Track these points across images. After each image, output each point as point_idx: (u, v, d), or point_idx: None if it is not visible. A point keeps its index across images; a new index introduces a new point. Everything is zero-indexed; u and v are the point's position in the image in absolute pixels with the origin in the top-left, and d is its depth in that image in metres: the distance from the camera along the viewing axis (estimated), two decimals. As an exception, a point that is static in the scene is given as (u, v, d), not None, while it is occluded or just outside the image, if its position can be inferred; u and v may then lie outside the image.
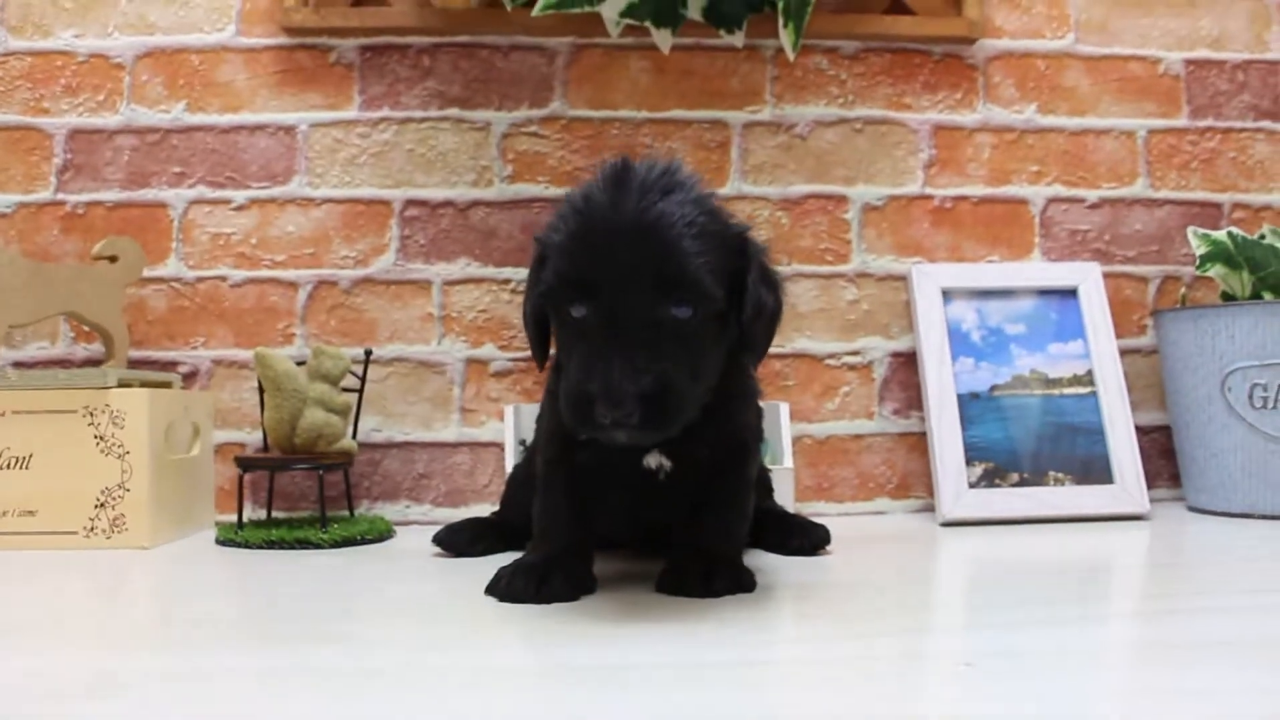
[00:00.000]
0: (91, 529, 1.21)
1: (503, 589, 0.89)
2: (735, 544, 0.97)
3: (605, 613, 0.83)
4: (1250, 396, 1.38)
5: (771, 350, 1.48)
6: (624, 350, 0.77)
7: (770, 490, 1.23)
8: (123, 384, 1.25)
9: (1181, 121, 1.63)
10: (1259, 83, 1.65)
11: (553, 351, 0.92)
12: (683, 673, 0.64)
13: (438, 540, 1.16)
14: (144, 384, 1.29)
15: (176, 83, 1.50)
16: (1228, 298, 1.46)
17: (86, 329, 1.44)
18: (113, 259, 1.36)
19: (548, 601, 0.87)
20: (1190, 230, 1.48)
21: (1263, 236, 1.46)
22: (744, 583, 0.91)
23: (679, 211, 0.79)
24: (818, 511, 1.48)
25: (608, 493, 0.96)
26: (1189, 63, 1.63)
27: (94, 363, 1.45)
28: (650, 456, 0.91)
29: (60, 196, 1.48)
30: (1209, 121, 1.63)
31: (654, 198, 0.80)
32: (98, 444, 1.22)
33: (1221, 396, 1.40)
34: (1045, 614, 0.82)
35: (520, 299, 1.50)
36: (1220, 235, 1.45)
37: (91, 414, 1.22)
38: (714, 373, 0.87)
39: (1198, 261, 1.45)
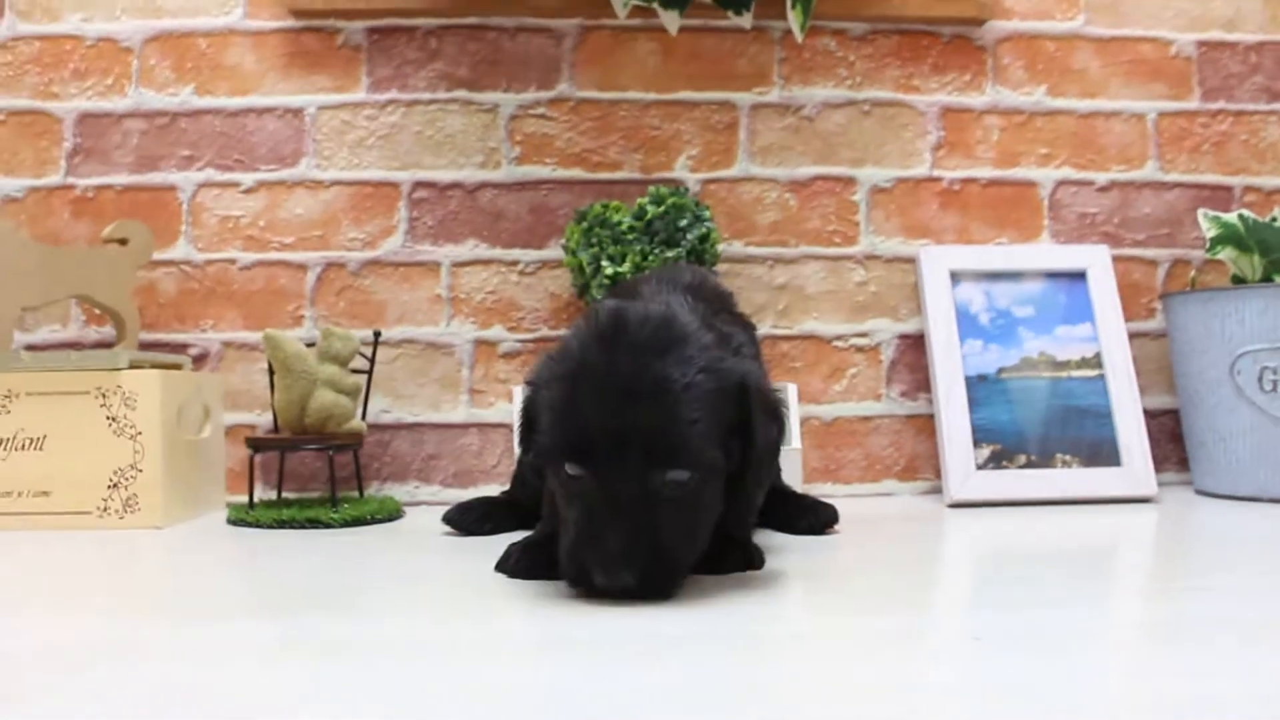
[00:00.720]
0: (105, 509, 1.22)
1: (511, 566, 0.90)
2: (745, 523, 0.98)
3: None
4: (1260, 380, 1.37)
5: (779, 332, 1.50)
6: (620, 522, 0.76)
7: (779, 471, 1.23)
8: (134, 365, 1.26)
9: (1193, 104, 1.62)
10: (1273, 64, 1.64)
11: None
12: (690, 645, 0.65)
13: (447, 519, 1.17)
14: (155, 366, 1.29)
15: (184, 66, 1.50)
16: (1238, 281, 1.45)
17: (98, 312, 1.45)
18: (123, 242, 1.37)
19: (557, 579, 0.87)
20: (1201, 212, 1.48)
21: (1274, 219, 1.45)
22: (753, 560, 0.92)
23: (675, 374, 0.77)
24: (825, 493, 1.48)
25: None
26: (1201, 44, 1.62)
27: (105, 345, 1.46)
28: None
29: (70, 180, 1.49)
30: (1221, 104, 1.63)
31: (649, 359, 0.77)
32: (110, 425, 1.23)
33: (1230, 380, 1.39)
34: (1052, 594, 0.82)
35: (529, 280, 1.50)
36: (1231, 218, 1.44)
37: (104, 395, 1.23)
38: (715, 516, 0.85)
39: (1208, 244, 1.45)
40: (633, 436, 0.76)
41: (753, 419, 0.83)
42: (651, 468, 0.77)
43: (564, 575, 0.80)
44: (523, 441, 0.90)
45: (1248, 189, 1.62)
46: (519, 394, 1.40)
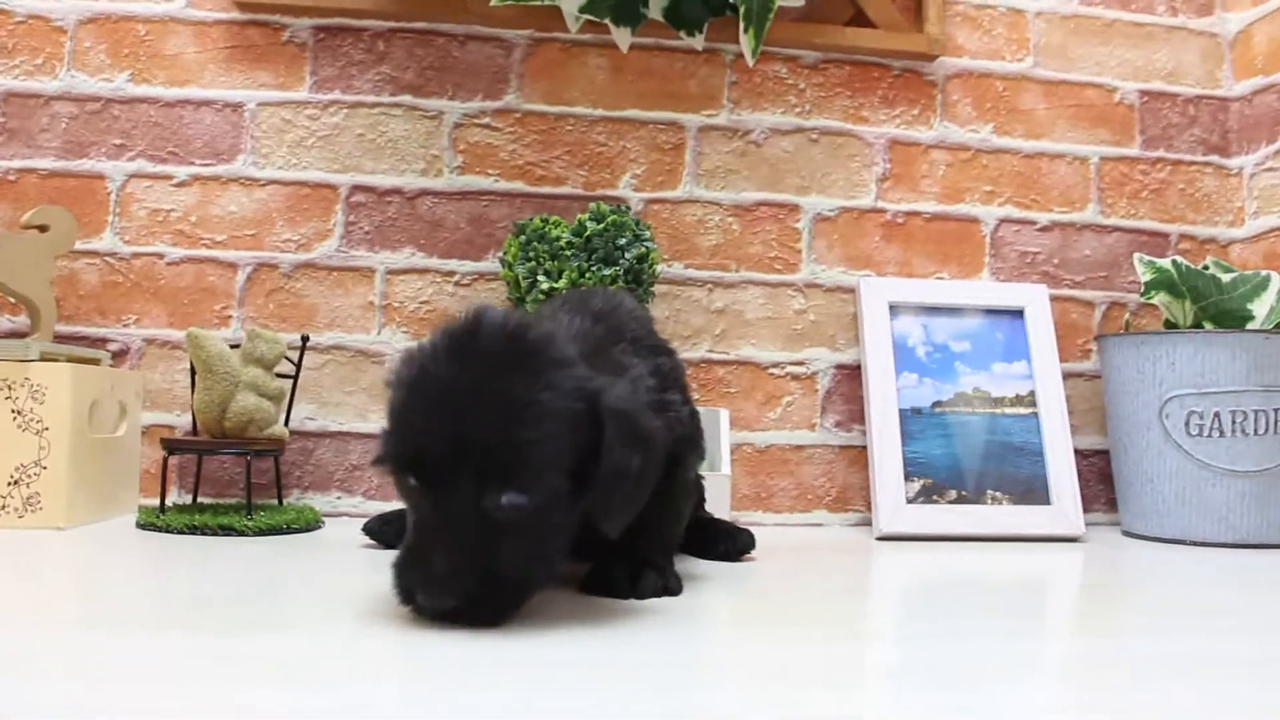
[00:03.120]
0: (3, 507, 1.17)
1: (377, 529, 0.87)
2: (665, 548, 0.96)
3: (530, 611, 0.81)
4: (1187, 424, 1.39)
5: (715, 356, 1.49)
6: (447, 543, 0.72)
7: (701, 500, 1.21)
8: (46, 358, 1.21)
9: (1134, 150, 1.64)
10: (1209, 118, 1.67)
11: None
12: (601, 671, 0.63)
13: (367, 530, 1.14)
14: (69, 359, 1.24)
15: (120, 51, 1.46)
16: (1170, 325, 1.47)
17: (11, 300, 1.39)
18: (43, 228, 1.31)
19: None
20: (1136, 257, 1.49)
21: (1206, 267, 1.47)
22: (670, 586, 0.90)
23: (519, 389, 0.72)
24: (755, 521, 1.47)
25: None
26: (1143, 93, 1.65)
27: (18, 335, 1.40)
28: None
29: (-8, 162, 1.44)
30: (1160, 152, 1.65)
31: (492, 371, 0.72)
32: (14, 419, 1.18)
33: (1159, 423, 1.41)
34: (975, 628, 0.81)
35: (465, 291, 1.47)
36: (1165, 263, 1.46)
37: (10, 387, 1.18)
38: (565, 539, 0.79)
39: (1143, 288, 1.47)
40: (466, 452, 0.71)
41: (605, 441, 0.75)
42: (486, 487, 0.72)
43: (394, 591, 0.75)
44: None
45: (1183, 236, 1.65)
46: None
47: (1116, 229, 1.63)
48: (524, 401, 0.72)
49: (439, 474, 0.72)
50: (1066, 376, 1.54)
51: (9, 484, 1.17)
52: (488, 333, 0.74)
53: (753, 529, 1.17)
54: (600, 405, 0.76)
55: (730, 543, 1.13)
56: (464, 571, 0.72)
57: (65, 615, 0.77)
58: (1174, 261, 1.46)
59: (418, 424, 0.73)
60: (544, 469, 0.73)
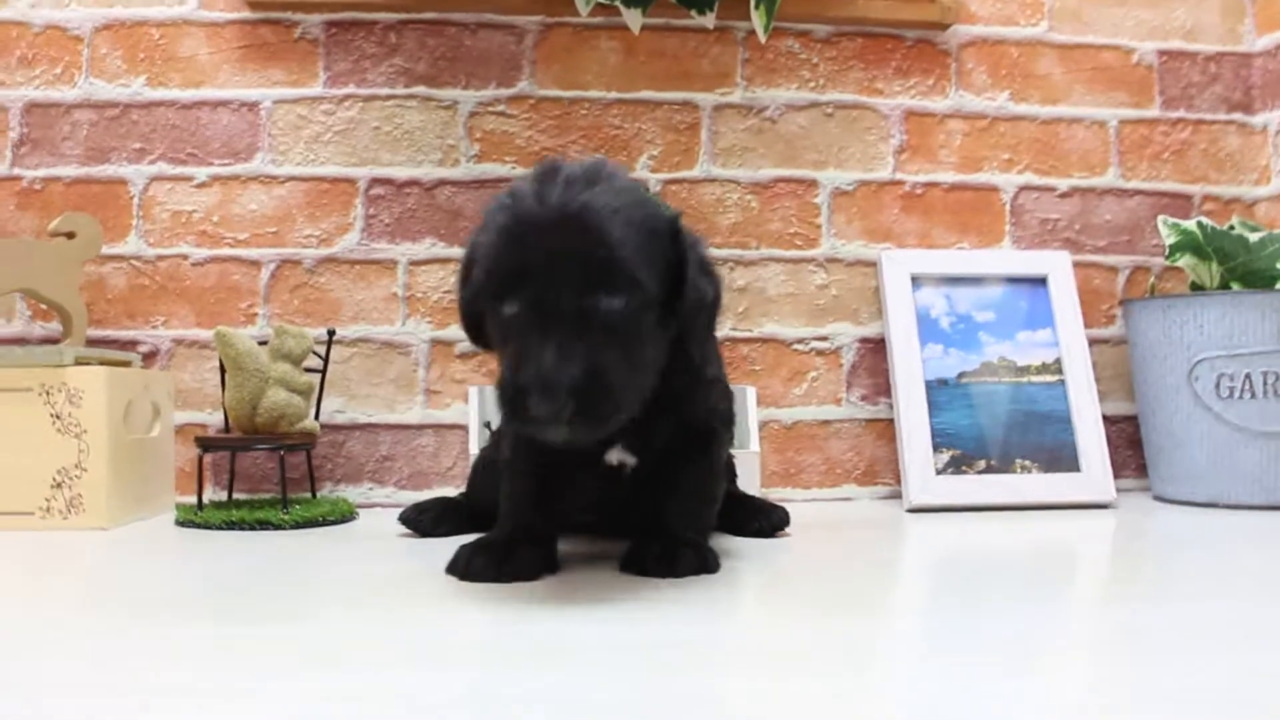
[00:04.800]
0: (48, 509, 1.19)
1: (463, 567, 0.88)
2: (701, 527, 0.97)
3: (567, 592, 0.82)
4: (1217, 386, 1.38)
5: (739, 334, 1.49)
6: (555, 342, 0.74)
7: (734, 476, 1.22)
8: (80, 362, 1.23)
9: (1154, 112, 1.63)
10: (1231, 75, 1.65)
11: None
12: (643, 652, 0.63)
13: (403, 519, 1.15)
14: (102, 362, 1.26)
15: (136, 56, 1.47)
16: (1196, 288, 1.46)
17: (44, 307, 1.41)
18: (70, 235, 1.33)
19: (509, 580, 0.86)
20: (1160, 219, 1.48)
21: (1231, 227, 1.46)
22: (708, 564, 0.90)
23: (605, 200, 0.77)
24: (784, 497, 1.47)
25: (573, 481, 0.94)
26: (1162, 53, 1.63)
27: (51, 341, 1.42)
28: (612, 453, 0.91)
29: (16, 171, 1.45)
30: (1181, 113, 1.64)
31: (579, 189, 0.78)
32: (54, 423, 1.20)
33: (1188, 386, 1.40)
34: (1011, 600, 0.81)
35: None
36: (1190, 225, 1.45)
37: (48, 392, 1.20)
38: (655, 364, 0.84)
39: (1167, 251, 1.45)
40: (565, 261, 0.76)
41: (686, 263, 0.83)
42: (585, 292, 0.76)
43: (501, 410, 0.77)
44: (464, 315, 0.89)
45: (1206, 197, 1.63)
46: (475, 395, 1.39)
47: (1138, 192, 1.62)
48: (613, 209, 0.78)
49: (542, 285, 0.76)
50: (1092, 343, 1.53)
51: (52, 487, 1.19)
52: (567, 166, 0.81)
53: (783, 505, 1.17)
54: (679, 231, 0.84)
55: (765, 519, 1.14)
56: (575, 367, 0.74)
57: (118, 610, 0.78)
58: (1199, 223, 1.45)
59: (519, 241, 0.77)
60: (635, 274, 0.78)
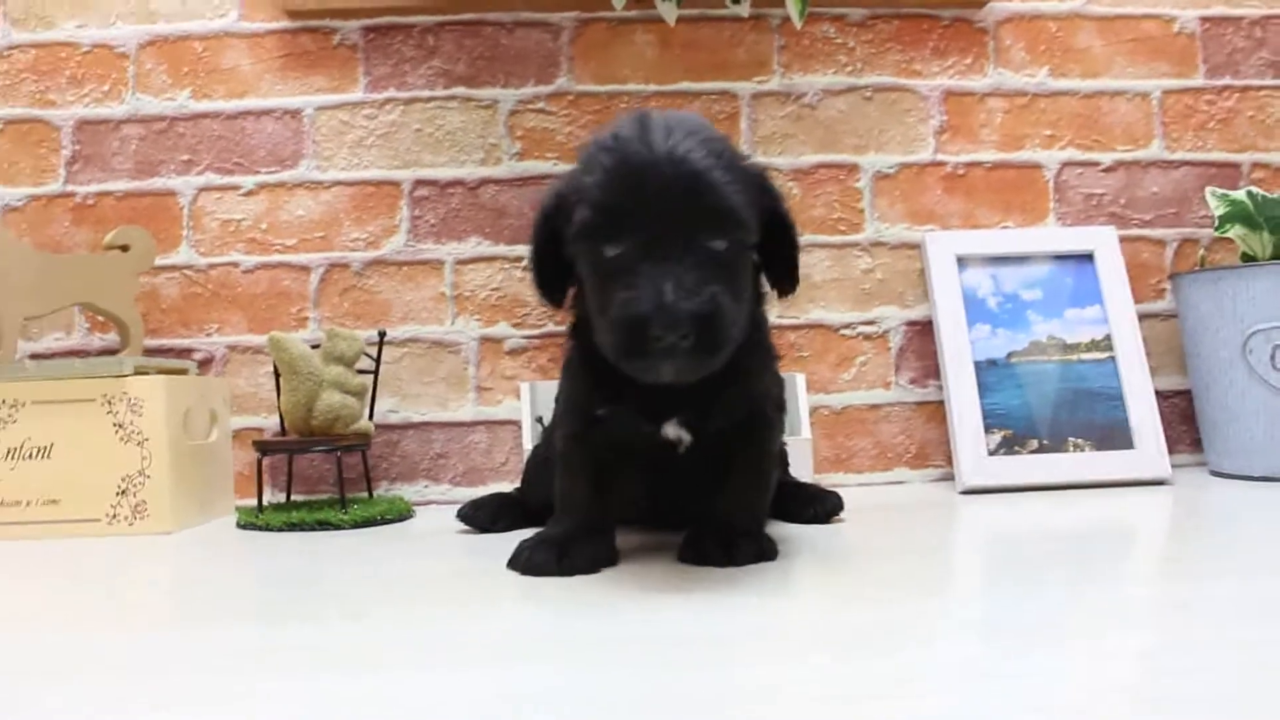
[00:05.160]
0: (114, 516, 1.22)
1: (524, 562, 0.89)
2: (757, 515, 0.97)
3: (627, 584, 0.83)
4: (1272, 358, 1.36)
5: (785, 321, 1.49)
6: (672, 275, 0.76)
7: (786, 464, 1.22)
8: (139, 371, 1.25)
9: (1198, 81, 1.61)
10: (1277, 39, 1.62)
11: (566, 326, 0.92)
12: (709, 645, 0.64)
13: (462, 515, 1.16)
14: (160, 371, 1.29)
15: (180, 70, 1.49)
16: (1247, 259, 1.44)
17: (101, 319, 1.44)
18: (124, 248, 1.36)
19: (569, 574, 0.87)
20: (1209, 190, 1.46)
21: (1282, 195, 1.44)
22: (766, 552, 0.91)
23: (707, 149, 0.80)
24: (836, 482, 1.47)
25: (627, 469, 0.95)
26: (1204, 20, 1.61)
27: (110, 352, 1.45)
28: (669, 426, 0.90)
29: (69, 188, 1.48)
30: (1226, 80, 1.61)
31: (680, 136, 0.80)
32: (117, 432, 1.22)
33: (1243, 359, 1.38)
34: (1066, 578, 0.81)
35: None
36: (1239, 195, 1.43)
37: (110, 402, 1.23)
38: (747, 310, 0.86)
39: (1216, 222, 1.44)
40: (675, 203, 0.78)
41: (781, 210, 0.88)
42: (695, 232, 0.79)
43: (612, 349, 0.80)
44: (539, 268, 0.91)
45: (1255, 165, 1.61)
46: (526, 391, 1.40)
47: (1184, 163, 1.60)
48: (716, 156, 0.80)
49: (654, 223, 0.78)
50: (1141, 318, 1.51)
51: (117, 494, 1.22)
52: (660, 113, 0.83)
53: (836, 490, 1.18)
54: (768, 178, 0.88)
55: (819, 505, 1.14)
56: (694, 293, 0.76)
57: (186, 613, 0.80)
58: (1249, 192, 1.43)
59: (628, 182, 0.79)
60: (741, 217, 0.81)
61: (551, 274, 0.90)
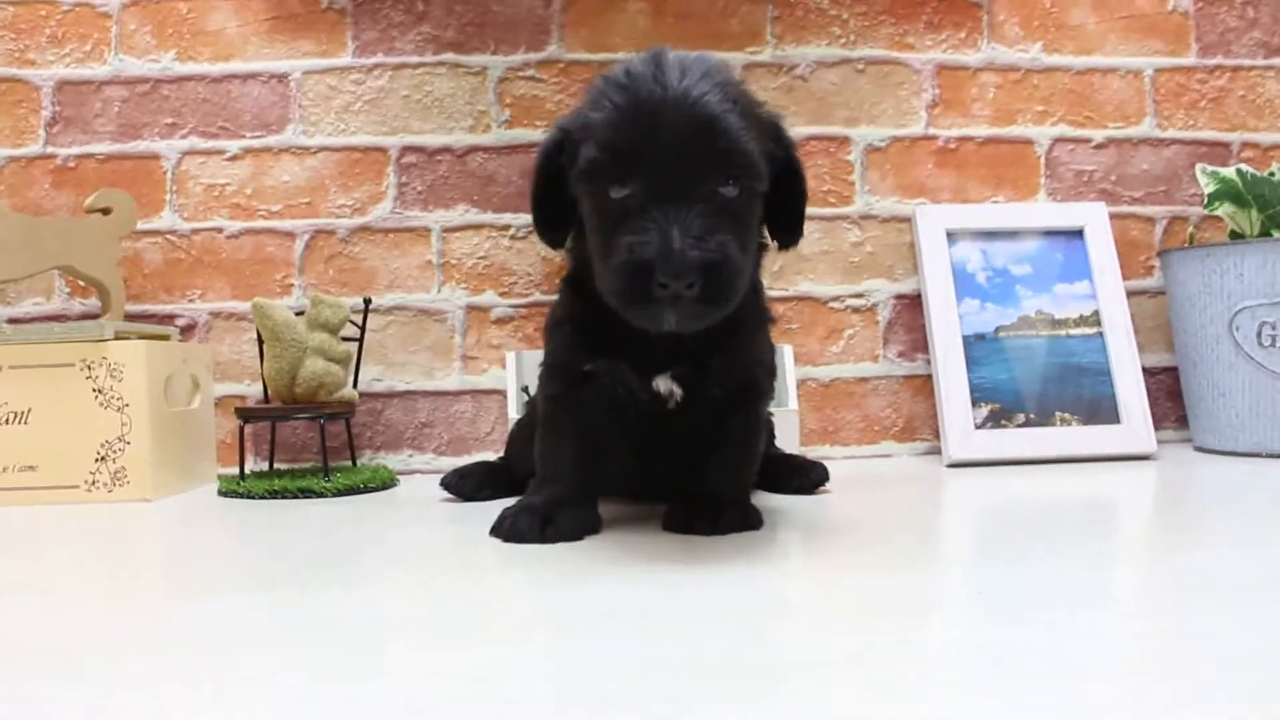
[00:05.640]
0: (93, 483, 1.21)
1: (507, 529, 0.88)
2: (744, 484, 0.96)
3: (611, 553, 0.82)
4: (1259, 335, 1.36)
5: (774, 293, 1.49)
6: (681, 220, 0.75)
7: (772, 436, 1.22)
8: (120, 336, 1.24)
9: (1190, 59, 1.60)
10: (1270, 19, 1.62)
11: (559, 282, 0.91)
12: (692, 615, 0.63)
13: (445, 484, 1.16)
14: (141, 337, 1.27)
15: (165, 32, 1.47)
16: (1236, 236, 1.44)
17: (82, 283, 1.43)
18: (106, 211, 1.34)
19: (552, 541, 0.86)
20: (1199, 167, 1.46)
21: (1272, 174, 1.43)
22: (751, 521, 0.90)
23: (723, 92, 0.77)
24: (823, 455, 1.47)
25: (612, 434, 0.93)
26: (1197, -1, 1.61)
27: (90, 317, 1.43)
28: (661, 380, 0.89)
29: (50, 150, 1.46)
30: (1218, 59, 1.61)
31: (696, 77, 0.77)
32: (96, 397, 1.21)
33: (1229, 336, 1.38)
34: (1053, 549, 0.81)
35: (521, 245, 1.48)
36: (1229, 172, 1.43)
37: (89, 367, 1.21)
38: (753, 261, 0.86)
39: (1206, 199, 1.44)
40: (688, 145, 0.76)
41: (795, 159, 0.86)
42: (706, 177, 0.77)
43: (614, 294, 0.78)
44: (540, 207, 0.88)
45: (1245, 144, 1.61)
46: (512, 360, 1.39)
47: (1175, 141, 1.59)
48: (732, 100, 0.78)
49: (665, 165, 0.76)
50: (1130, 294, 1.52)
51: (96, 460, 1.20)
52: (674, 53, 0.80)
53: (822, 462, 1.17)
54: (781, 127, 0.86)
55: (804, 477, 1.14)
56: (702, 241, 0.75)
57: (167, 582, 0.79)
58: (1238, 170, 1.43)
59: (639, 122, 0.76)
60: (755, 164, 0.79)
61: (552, 213, 0.88)
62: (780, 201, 0.86)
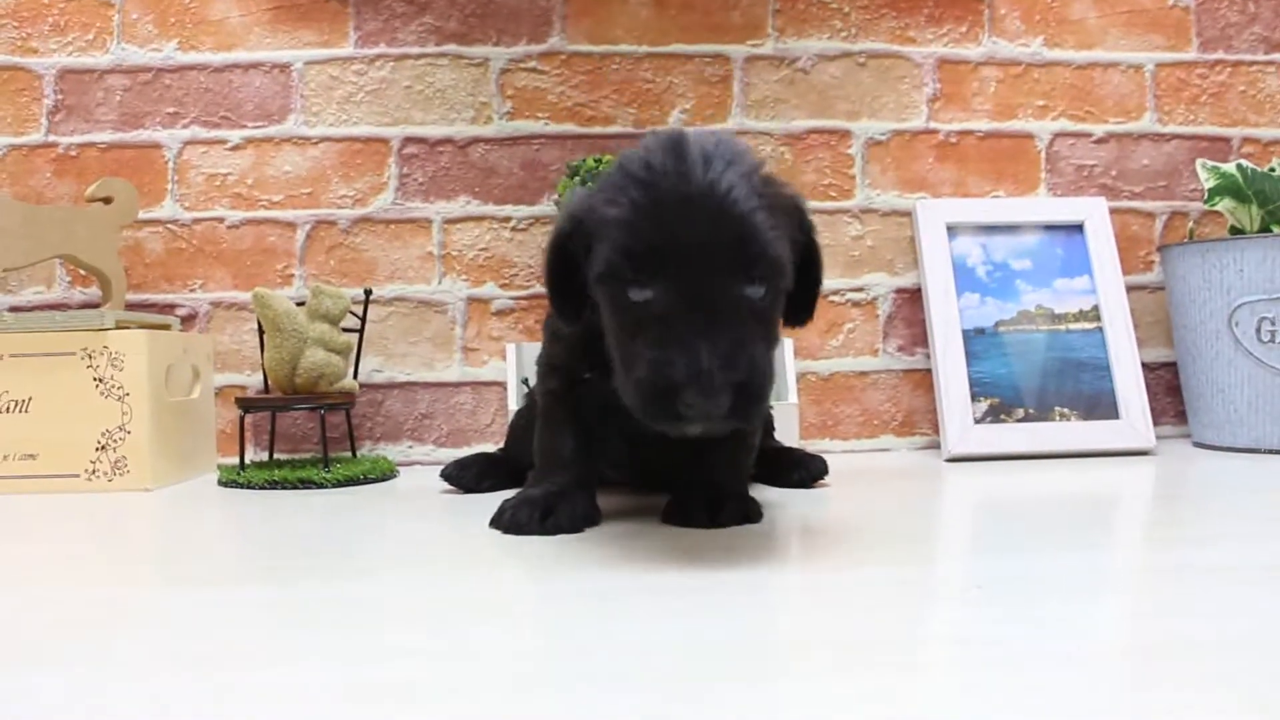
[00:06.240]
0: (93, 471, 1.21)
1: (506, 521, 0.88)
2: (742, 476, 0.97)
3: (610, 544, 0.82)
4: (1258, 331, 1.36)
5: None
6: (709, 333, 0.69)
7: (771, 430, 1.22)
8: (121, 326, 1.24)
9: (1191, 54, 1.60)
10: (1270, 14, 1.62)
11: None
12: (690, 600, 0.64)
13: (446, 475, 1.16)
14: (142, 326, 1.27)
15: (167, 21, 1.47)
16: (1236, 232, 1.44)
17: (83, 272, 1.43)
18: (107, 200, 1.34)
19: (552, 533, 0.86)
20: (1199, 162, 1.46)
21: (1272, 169, 1.43)
22: (750, 514, 0.91)
23: (749, 184, 0.73)
24: (822, 448, 1.48)
25: (610, 427, 0.93)
26: (1199, -7, 1.60)
27: (91, 306, 1.43)
28: None
29: (52, 138, 1.46)
30: (1219, 54, 1.61)
31: (720, 168, 0.73)
32: (97, 386, 1.21)
33: (1229, 331, 1.38)
34: (1051, 543, 0.81)
35: (522, 237, 1.48)
36: (1229, 168, 1.43)
37: (90, 356, 1.21)
38: (775, 350, 0.80)
39: (1206, 194, 1.44)
40: (715, 245, 0.71)
41: (815, 247, 0.83)
42: (733, 280, 0.72)
43: (638, 410, 0.72)
44: (556, 292, 0.82)
45: (1246, 140, 1.61)
46: (512, 352, 1.39)
47: (1175, 136, 1.59)
48: (758, 193, 0.73)
49: (690, 268, 0.71)
50: (1130, 289, 1.52)
51: (97, 449, 1.21)
52: (695, 136, 0.76)
53: (821, 455, 1.17)
54: (804, 212, 0.82)
55: (803, 470, 1.14)
56: (733, 359, 0.69)
57: (167, 571, 0.80)
58: (1238, 165, 1.43)
59: (661, 221, 0.72)
60: (783, 263, 0.74)
61: (569, 296, 0.82)
62: (797, 282, 0.80)
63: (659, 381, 0.70)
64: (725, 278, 0.71)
